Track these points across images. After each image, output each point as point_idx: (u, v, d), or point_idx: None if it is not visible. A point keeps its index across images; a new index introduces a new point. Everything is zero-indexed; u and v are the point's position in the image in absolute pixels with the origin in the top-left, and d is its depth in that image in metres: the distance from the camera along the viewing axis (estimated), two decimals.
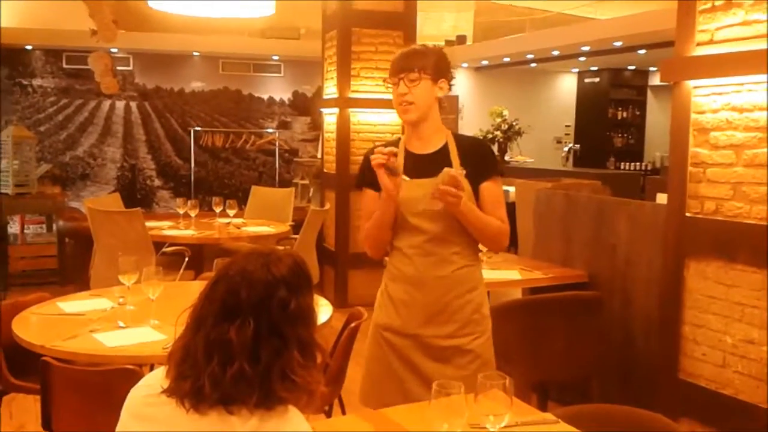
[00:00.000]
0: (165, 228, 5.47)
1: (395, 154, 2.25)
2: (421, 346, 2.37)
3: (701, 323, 3.09)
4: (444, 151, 2.41)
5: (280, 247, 5.59)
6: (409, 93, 2.33)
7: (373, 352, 2.48)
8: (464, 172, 2.30)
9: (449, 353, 2.37)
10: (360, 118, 6.48)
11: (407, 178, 2.31)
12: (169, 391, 1.40)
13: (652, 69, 11.99)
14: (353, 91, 6.43)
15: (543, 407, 3.50)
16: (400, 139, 2.51)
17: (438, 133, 2.43)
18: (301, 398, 1.41)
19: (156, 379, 1.46)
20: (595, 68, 12.18)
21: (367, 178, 2.43)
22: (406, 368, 2.39)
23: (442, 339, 2.37)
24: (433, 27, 10.67)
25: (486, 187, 2.39)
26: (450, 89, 2.44)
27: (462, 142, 2.44)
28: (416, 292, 2.37)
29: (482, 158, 2.42)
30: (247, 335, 1.37)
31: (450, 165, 2.35)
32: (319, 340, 1.48)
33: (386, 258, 2.52)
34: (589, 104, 12.49)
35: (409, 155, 2.42)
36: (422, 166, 2.34)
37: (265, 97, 11.20)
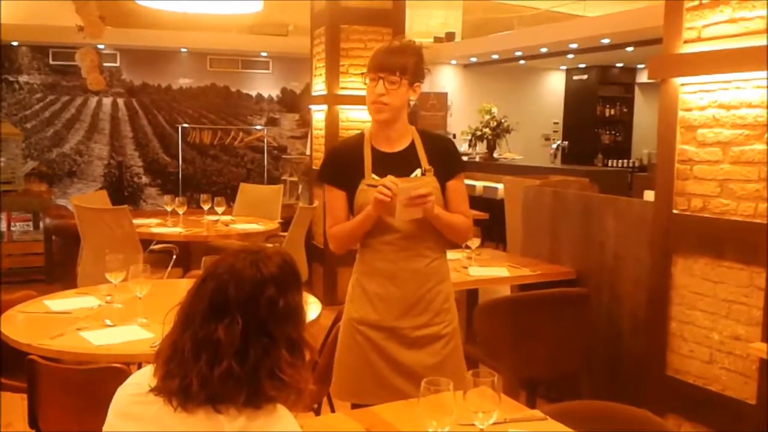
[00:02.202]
0: (152, 225, 5.44)
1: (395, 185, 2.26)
2: (397, 337, 2.41)
3: (688, 320, 3.11)
4: (411, 149, 2.44)
5: (269, 245, 5.57)
6: (386, 95, 2.35)
7: (347, 345, 2.49)
8: (432, 170, 2.39)
9: (424, 341, 2.43)
10: (349, 115, 6.47)
11: (375, 177, 2.36)
12: (157, 390, 1.39)
13: (639, 66, 12.04)
14: (342, 88, 6.42)
15: (531, 404, 3.51)
16: (362, 134, 2.51)
17: (405, 132, 2.46)
18: (289, 397, 1.41)
19: (143, 377, 1.45)
20: (583, 65, 12.22)
21: (331, 176, 2.47)
22: (383, 359, 2.42)
23: (417, 329, 2.42)
24: (422, 24, 10.67)
25: (452, 184, 2.46)
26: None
27: (428, 139, 2.48)
28: (392, 286, 2.40)
29: (448, 156, 2.49)
30: (235, 334, 1.37)
31: (418, 163, 2.40)
32: (307, 339, 1.48)
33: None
34: (577, 101, 12.53)
35: (376, 153, 2.44)
36: (391, 164, 2.37)
37: (254, 93, 11.17)
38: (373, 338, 2.42)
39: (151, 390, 1.40)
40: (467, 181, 2.56)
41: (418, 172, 2.38)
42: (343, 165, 2.44)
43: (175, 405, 1.36)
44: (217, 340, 1.36)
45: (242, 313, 1.38)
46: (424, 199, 2.25)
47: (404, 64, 2.35)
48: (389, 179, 2.27)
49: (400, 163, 2.36)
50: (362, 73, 2.43)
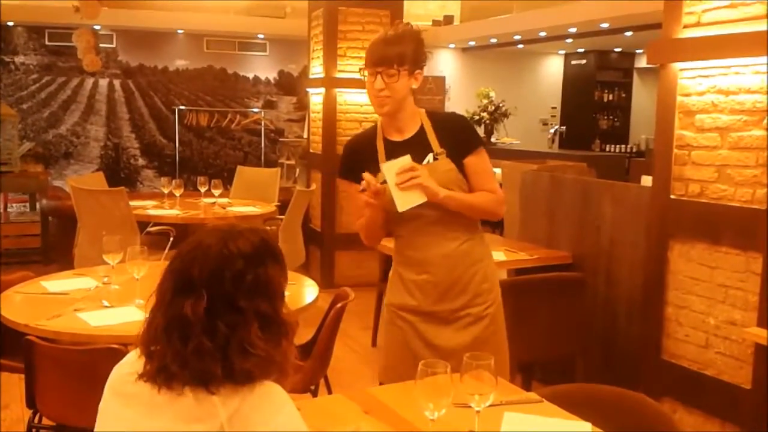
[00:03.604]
0: (149, 207, 5.44)
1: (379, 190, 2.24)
2: (436, 320, 2.42)
3: (684, 304, 3.12)
4: (421, 134, 2.39)
5: (266, 228, 5.52)
6: (386, 89, 2.30)
7: (388, 330, 2.51)
8: (444, 152, 2.33)
9: (464, 323, 2.43)
10: (346, 98, 6.45)
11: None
12: (146, 376, 1.39)
13: (638, 51, 12.00)
14: (340, 71, 6.40)
15: (527, 387, 3.53)
16: (376, 125, 2.48)
17: (413, 118, 2.41)
18: (270, 373, 1.39)
19: (137, 356, 1.45)
20: (582, 50, 12.17)
21: (348, 171, 2.45)
22: (423, 342, 2.43)
23: (456, 312, 2.42)
24: (420, 6, 10.61)
25: (471, 161, 2.38)
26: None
27: (437, 120, 2.42)
28: (425, 274, 2.40)
29: (460, 133, 2.41)
30: (200, 310, 1.36)
31: (429, 148, 2.36)
32: (285, 315, 1.46)
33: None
34: (575, 86, 12.50)
35: (388, 143, 2.41)
36: (402, 153, 2.31)
37: (251, 76, 11.12)
38: (414, 322, 2.43)
39: (140, 376, 1.40)
40: None
41: (430, 157, 2.34)
42: (358, 159, 2.41)
43: (159, 384, 1.36)
44: (184, 317, 1.36)
45: (207, 288, 1.37)
46: (413, 173, 2.19)
47: (401, 54, 2.29)
48: (364, 175, 2.24)
49: (411, 151, 2.30)
50: (360, 69, 2.39)
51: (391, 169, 2.21)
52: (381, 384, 2.46)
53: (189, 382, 1.35)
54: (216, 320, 1.36)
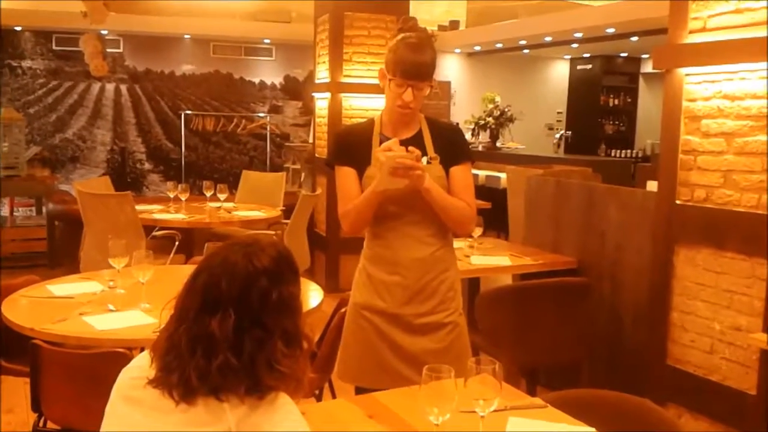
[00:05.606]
0: (155, 212, 5.45)
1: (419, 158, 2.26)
2: (400, 323, 2.43)
3: (690, 310, 3.11)
4: (418, 137, 2.45)
5: (271, 232, 5.53)
6: (413, 100, 2.36)
7: (352, 329, 2.52)
8: (437, 158, 2.38)
9: (428, 328, 2.44)
10: (352, 102, 6.46)
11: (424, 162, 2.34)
12: (156, 382, 1.40)
13: (644, 56, 12.00)
14: (345, 76, 6.40)
15: (532, 392, 3.52)
16: (372, 121, 2.51)
17: (415, 121, 2.47)
18: (289, 386, 1.42)
19: (147, 360, 1.46)
20: (588, 55, 12.17)
21: (341, 156, 2.48)
22: (386, 344, 2.44)
23: (421, 316, 2.43)
24: (426, 12, 10.61)
25: (456, 171, 2.43)
26: None
27: (435, 127, 2.49)
28: (395, 275, 2.41)
29: (454, 143, 2.48)
30: (228, 328, 1.37)
31: (424, 151, 2.39)
32: (304, 329, 1.48)
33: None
34: (581, 91, 12.49)
35: (384, 141, 2.42)
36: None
37: (257, 80, 11.15)
38: (377, 323, 2.44)
39: (150, 382, 1.40)
40: None
41: (424, 160, 2.37)
42: (352, 147, 2.46)
43: (177, 398, 1.37)
44: (211, 335, 1.37)
45: (234, 307, 1.38)
46: (406, 172, 2.21)
47: (430, 66, 2.35)
48: (393, 142, 2.26)
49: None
50: (381, 71, 2.40)
51: (394, 158, 2.21)
52: (353, 385, 2.51)
53: (205, 395, 1.36)
54: (242, 338, 1.38)
